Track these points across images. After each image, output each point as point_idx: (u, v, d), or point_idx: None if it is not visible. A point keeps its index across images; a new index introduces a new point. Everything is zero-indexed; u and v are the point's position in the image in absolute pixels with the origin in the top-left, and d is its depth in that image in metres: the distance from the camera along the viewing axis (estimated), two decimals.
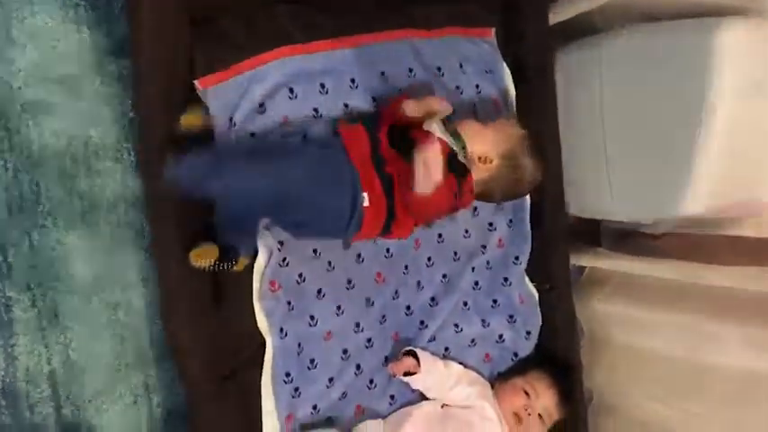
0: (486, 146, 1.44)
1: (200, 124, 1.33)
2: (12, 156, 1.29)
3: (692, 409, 1.67)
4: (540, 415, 1.64)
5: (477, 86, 1.70)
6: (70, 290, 1.35)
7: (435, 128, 1.42)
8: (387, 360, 1.60)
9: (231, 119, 1.37)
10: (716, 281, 1.59)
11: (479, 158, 1.43)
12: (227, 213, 1.31)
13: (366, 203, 1.34)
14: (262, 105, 1.41)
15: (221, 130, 1.37)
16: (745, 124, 1.43)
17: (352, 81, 1.50)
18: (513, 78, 1.75)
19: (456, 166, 1.40)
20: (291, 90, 1.43)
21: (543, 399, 1.65)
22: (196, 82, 1.35)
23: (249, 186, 1.26)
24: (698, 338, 1.65)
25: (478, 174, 1.44)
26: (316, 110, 1.47)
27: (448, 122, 1.45)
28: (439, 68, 1.64)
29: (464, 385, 1.64)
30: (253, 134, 1.40)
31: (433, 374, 1.58)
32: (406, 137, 1.40)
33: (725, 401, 1.59)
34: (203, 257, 1.28)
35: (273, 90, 1.42)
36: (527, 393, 1.64)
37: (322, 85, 1.47)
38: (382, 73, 1.54)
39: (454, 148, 1.41)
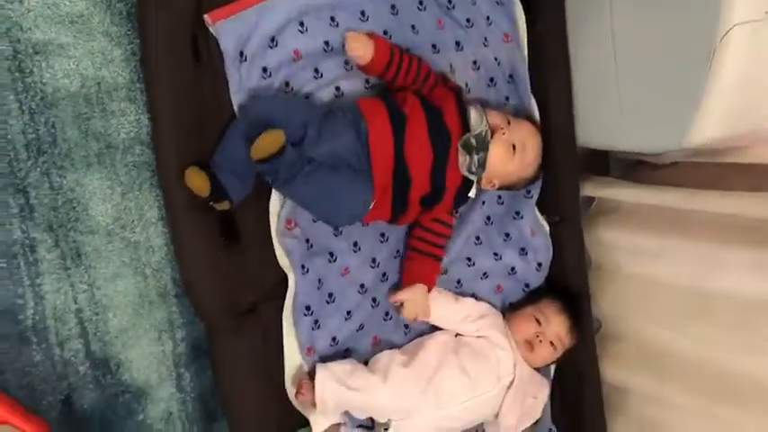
0: (498, 179, 1.56)
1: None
2: (26, 97, 1.29)
3: (698, 334, 1.70)
4: (551, 342, 1.69)
5: (488, 18, 1.68)
6: (91, 230, 1.37)
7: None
8: None
9: (242, 53, 1.37)
10: (723, 208, 1.60)
11: (488, 182, 1.55)
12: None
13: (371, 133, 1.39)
14: (273, 39, 1.40)
15: (231, 63, 1.37)
16: (757, 51, 1.42)
17: (363, 14, 1.49)
18: (523, 9, 1.73)
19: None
20: (302, 23, 1.43)
21: (554, 326, 1.69)
22: (206, 16, 1.34)
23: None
24: (704, 264, 1.67)
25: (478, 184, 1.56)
26: (326, 43, 1.47)
27: (482, 133, 1.48)
28: (449, 0, 1.62)
29: (475, 317, 1.69)
30: (265, 68, 1.40)
31: (444, 308, 1.62)
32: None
33: (731, 326, 1.62)
34: (197, 182, 1.30)
35: (284, 23, 1.41)
36: (538, 321, 1.69)
37: (332, 18, 1.46)
38: (392, 6, 1.52)
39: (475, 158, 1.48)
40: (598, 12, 1.68)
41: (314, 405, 1.47)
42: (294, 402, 1.50)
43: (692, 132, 1.49)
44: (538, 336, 1.67)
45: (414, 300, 1.55)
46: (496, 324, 1.70)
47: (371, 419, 1.59)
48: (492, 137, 1.48)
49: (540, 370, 1.77)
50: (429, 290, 1.57)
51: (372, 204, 1.41)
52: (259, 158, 1.27)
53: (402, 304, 1.56)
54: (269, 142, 1.27)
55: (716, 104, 1.45)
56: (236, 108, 1.39)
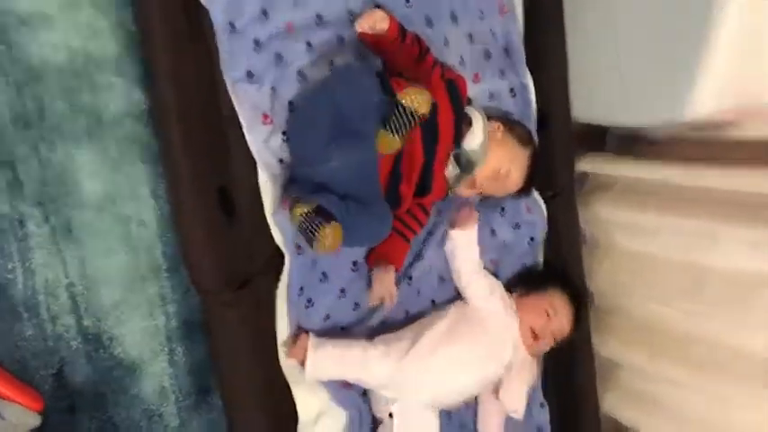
0: (478, 187, 1.57)
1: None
2: (13, 70, 1.27)
3: (691, 309, 1.71)
4: (552, 332, 1.70)
5: None
6: (82, 205, 1.36)
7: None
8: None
9: (232, 24, 1.35)
10: (720, 184, 1.60)
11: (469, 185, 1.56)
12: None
13: None
14: (264, 12, 1.39)
15: (222, 35, 1.35)
16: (756, 24, 1.40)
17: None
18: None
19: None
20: None
21: (561, 318, 1.70)
22: None
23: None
24: (698, 240, 1.67)
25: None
26: (319, 16, 1.45)
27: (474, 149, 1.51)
28: None
29: (482, 276, 1.69)
30: (256, 41, 1.38)
31: (472, 247, 1.66)
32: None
33: (723, 301, 1.63)
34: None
35: None
36: (548, 314, 1.69)
37: None
38: None
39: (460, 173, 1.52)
40: None
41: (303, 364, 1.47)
42: (284, 366, 1.49)
43: (691, 105, 1.49)
44: (544, 329, 1.68)
45: (380, 281, 1.54)
46: (503, 303, 1.69)
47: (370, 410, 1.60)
48: (482, 150, 1.50)
49: None
50: (396, 269, 1.56)
51: None
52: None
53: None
54: (333, 238, 1.29)
55: (715, 77, 1.45)
56: (227, 82, 1.36)
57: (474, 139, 1.50)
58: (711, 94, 1.45)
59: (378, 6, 1.48)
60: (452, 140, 1.48)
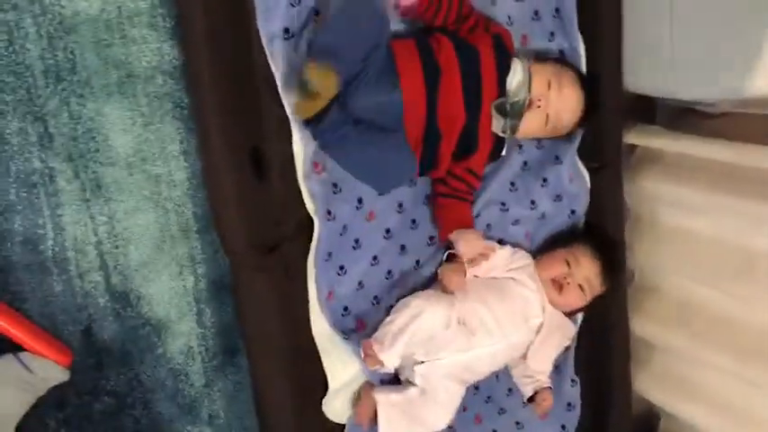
0: (529, 135, 1.54)
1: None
2: (44, 21, 1.23)
3: (737, 292, 1.65)
4: (580, 285, 1.64)
5: None
6: (112, 162, 1.33)
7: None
8: (432, 240, 1.60)
9: None
10: None
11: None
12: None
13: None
14: None
15: None
16: None
17: None
18: None
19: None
20: None
21: (585, 269, 1.64)
22: None
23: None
24: (749, 222, 1.60)
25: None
26: None
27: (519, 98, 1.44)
28: None
29: (507, 262, 1.64)
30: None
31: (492, 263, 1.59)
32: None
33: None
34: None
35: None
36: (568, 263, 1.64)
37: None
38: None
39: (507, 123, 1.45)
40: None
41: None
42: (316, 335, 1.49)
43: (750, 83, 1.39)
44: (566, 277, 1.63)
45: (466, 243, 1.51)
46: (525, 266, 1.66)
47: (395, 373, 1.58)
48: (529, 106, 1.44)
49: (570, 318, 1.73)
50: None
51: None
52: (304, 118, 1.27)
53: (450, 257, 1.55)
54: (316, 103, 1.24)
55: None
56: (263, 38, 1.31)
57: (514, 78, 1.44)
58: None
59: None
60: (497, 95, 1.43)
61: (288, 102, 1.34)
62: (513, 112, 1.43)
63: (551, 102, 1.47)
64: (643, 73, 1.67)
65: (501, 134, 1.47)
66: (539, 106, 1.46)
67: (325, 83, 1.23)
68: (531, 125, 1.47)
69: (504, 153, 1.55)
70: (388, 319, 1.51)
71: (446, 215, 1.55)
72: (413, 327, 1.47)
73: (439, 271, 1.56)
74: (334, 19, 1.30)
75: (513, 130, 1.46)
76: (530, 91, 1.44)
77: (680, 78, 1.56)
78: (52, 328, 1.34)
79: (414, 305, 1.50)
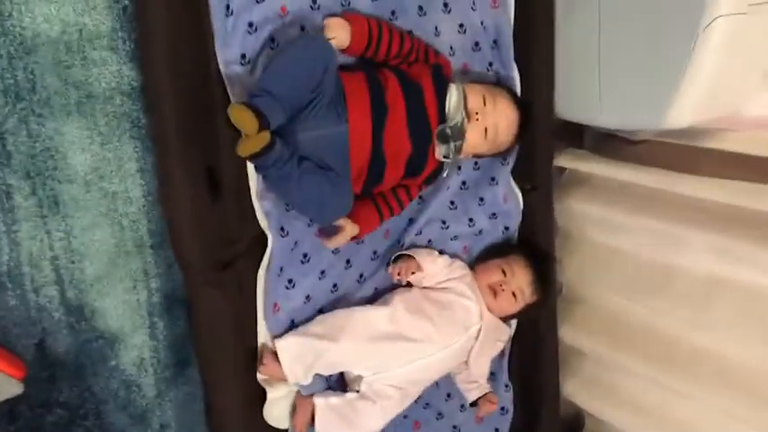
0: (474, 150, 1.60)
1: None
2: (5, 42, 1.25)
3: (654, 306, 1.79)
4: (513, 293, 1.74)
5: None
6: (69, 179, 1.36)
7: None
8: (375, 254, 1.68)
9: (228, 6, 1.35)
10: (689, 190, 1.66)
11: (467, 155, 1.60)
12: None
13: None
14: None
15: (217, 17, 1.35)
16: (738, 43, 1.44)
17: None
18: None
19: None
20: None
21: (518, 278, 1.75)
22: None
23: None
24: (666, 241, 1.75)
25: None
26: (314, 1, 1.45)
27: (459, 123, 1.51)
28: None
29: (447, 271, 1.74)
30: (251, 23, 1.38)
31: (427, 271, 1.67)
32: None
33: (685, 300, 1.71)
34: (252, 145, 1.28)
35: None
36: (504, 272, 1.75)
37: None
38: None
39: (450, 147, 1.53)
40: None
41: (279, 378, 1.53)
42: (259, 378, 1.55)
43: (670, 115, 1.53)
44: (501, 284, 1.73)
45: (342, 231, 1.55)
46: (463, 276, 1.76)
47: (342, 383, 1.65)
48: (470, 121, 1.52)
49: (505, 323, 1.84)
50: (358, 235, 1.57)
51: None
52: (246, 156, 1.31)
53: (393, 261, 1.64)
54: (256, 142, 1.29)
55: (695, 90, 1.49)
56: (220, 63, 1.37)
57: (451, 101, 1.51)
58: (690, 105, 1.50)
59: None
60: (439, 122, 1.51)
61: None
62: (455, 134, 1.51)
63: (488, 115, 1.55)
64: (572, 102, 1.80)
65: (444, 159, 1.55)
66: (477, 119, 1.53)
67: (245, 123, 1.26)
68: (471, 139, 1.54)
69: (445, 175, 1.63)
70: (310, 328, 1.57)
71: (359, 212, 1.56)
72: (331, 357, 1.55)
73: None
74: (277, 56, 1.36)
75: (459, 150, 1.53)
76: (466, 108, 1.51)
77: (605, 109, 1.69)
78: (6, 342, 1.35)
79: (335, 325, 1.57)
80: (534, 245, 1.90)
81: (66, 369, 1.44)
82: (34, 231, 1.35)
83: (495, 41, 1.73)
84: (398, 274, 1.66)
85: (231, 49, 1.37)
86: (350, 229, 1.53)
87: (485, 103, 1.55)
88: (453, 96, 1.51)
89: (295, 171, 1.37)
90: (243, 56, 1.38)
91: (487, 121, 1.55)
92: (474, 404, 1.79)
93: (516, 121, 1.62)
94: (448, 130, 1.50)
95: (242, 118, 1.26)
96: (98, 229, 1.42)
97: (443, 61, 1.59)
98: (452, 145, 1.52)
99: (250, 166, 1.43)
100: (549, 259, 1.91)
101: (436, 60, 1.58)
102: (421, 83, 1.50)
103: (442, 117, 1.51)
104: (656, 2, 1.51)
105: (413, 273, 1.65)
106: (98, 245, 1.42)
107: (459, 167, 1.75)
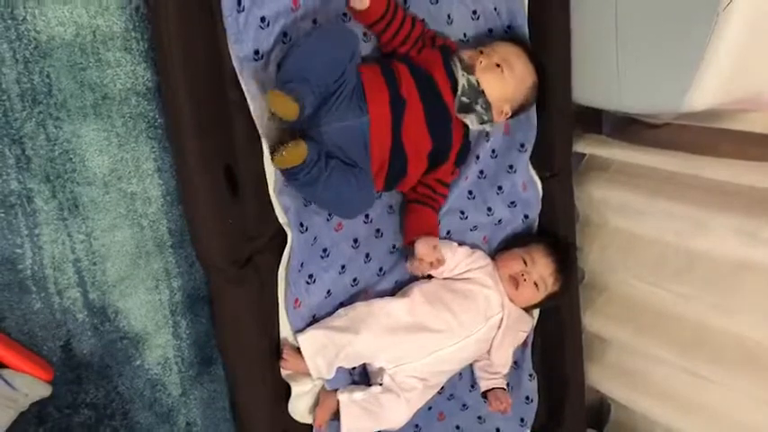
0: (504, 104, 1.55)
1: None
2: (20, 46, 1.25)
3: (678, 290, 1.77)
4: (535, 282, 1.73)
5: None
6: (88, 181, 1.36)
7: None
8: (394, 248, 1.68)
9: (240, 2, 1.34)
10: (711, 173, 1.64)
11: (497, 114, 1.55)
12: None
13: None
14: None
15: (229, 13, 1.34)
16: (758, 21, 1.41)
17: None
18: None
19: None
20: None
21: (540, 267, 1.74)
22: None
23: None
24: (689, 225, 1.73)
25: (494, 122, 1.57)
26: None
27: (470, 79, 1.49)
28: None
29: (468, 261, 1.73)
30: (263, 18, 1.37)
31: (448, 263, 1.66)
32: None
33: (709, 285, 1.69)
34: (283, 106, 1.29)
35: None
36: (525, 261, 1.74)
37: None
38: None
39: (478, 109, 1.51)
40: None
41: (303, 372, 1.53)
42: (284, 374, 1.55)
43: (690, 97, 1.50)
44: (522, 274, 1.72)
45: (426, 246, 1.58)
46: (484, 266, 1.75)
47: (366, 376, 1.65)
48: (474, 73, 1.50)
49: (527, 312, 1.83)
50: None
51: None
52: (282, 168, 1.37)
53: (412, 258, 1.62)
54: (294, 155, 1.33)
55: (716, 70, 1.46)
56: (234, 60, 1.36)
57: (457, 70, 1.50)
58: (711, 87, 1.47)
59: None
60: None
61: (258, 117, 1.40)
62: (472, 94, 1.49)
63: (488, 54, 1.53)
64: (590, 87, 1.77)
65: (483, 126, 1.54)
66: (480, 62, 1.50)
67: (287, 110, 1.28)
68: (491, 83, 1.50)
69: (489, 140, 1.66)
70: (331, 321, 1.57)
71: (413, 220, 1.63)
72: (353, 349, 1.55)
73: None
74: (305, 41, 1.36)
75: (487, 106, 1.50)
76: (462, 67, 1.49)
77: (624, 93, 1.67)
78: (32, 345, 1.36)
79: (356, 317, 1.58)
80: (555, 233, 1.88)
81: (92, 370, 1.45)
82: (56, 234, 1.35)
83: (509, 26, 1.71)
84: (417, 269, 1.64)
85: (244, 45, 1.36)
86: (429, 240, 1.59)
87: (481, 52, 1.54)
88: (458, 68, 1.50)
89: (324, 173, 1.38)
90: (256, 51, 1.38)
91: (493, 59, 1.52)
92: (485, 396, 1.78)
93: (525, 54, 1.59)
94: (464, 98, 1.49)
95: (282, 104, 1.28)
96: (118, 230, 1.42)
97: (450, 43, 1.59)
98: (478, 107, 1.50)
99: (268, 162, 1.43)
100: (570, 247, 1.89)
101: (444, 42, 1.57)
102: (431, 70, 1.49)
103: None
104: None
105: (431, 264, 1.62)
106: (119, 246, 1.43)
107: (478, 156, 1.73)
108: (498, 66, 1.52)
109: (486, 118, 1.52)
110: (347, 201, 1.44)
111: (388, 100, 1.43)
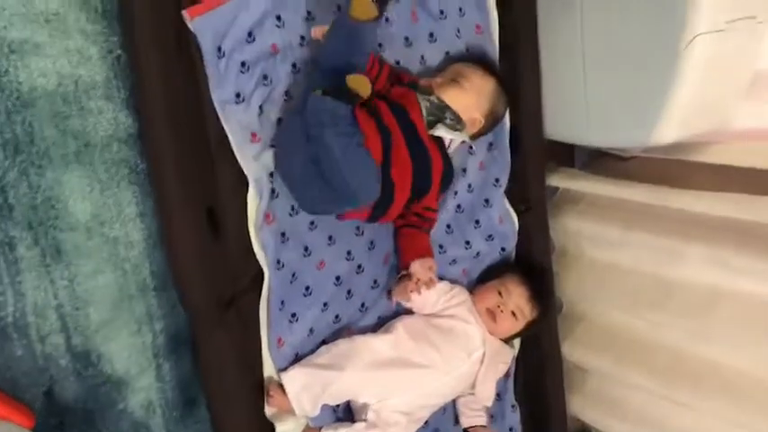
0: (473, 112, 1.59)
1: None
2: (2, 97, 1.27)
3: (655, 319, 1.81)
4: (513, 312, 1.76)
5: (461, 9, 1.71)
6: (71, 227, 1.38)
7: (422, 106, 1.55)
8: (376, 283, 1.70)
9: (220, 48, 1.37)
10: (684, 205, 1.69)
11: (470, 123, 1.60)
12: None
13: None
14: (251, 34, 1.41)
15: (210, 59, 1.37)
16: (718, 59, 1.48)
17: (339, 8, 1.50)
18: (495, 2, 1.76)
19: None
20: (278, 17, 1.44)
21: (515, 297, 1.76)
22: (184, 12, 1.34)
23: None
24: (662, 255, 1.77)
25: (469, 131, 1.61)
26: (302, 37, 1.48)
27: (430, 99, 1.56)
28: None
29: (447, 297, 1.76)
30: (243, 63, 1.40)
31: (426, 297, 1.69)
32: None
33: (685, 313, 1.73)
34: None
35: (261, 18, 1.42)
36: (500, 293, 1.76)
37: (309, 12, 1.48)
38: None
39: (448, 121, 1.56)
40: (569, 8, 1.72)
41: (287, 410, 1.53)
42: (268, 413, 1.56)
43: (655, 133, 1.56)
44: (499, 306, 1.75)
45: (422, 267, 1.62)
46: (463, 302, 1.77)
47: (348, 412, 1.66)
48: (433, 93, 1.56)
49: (507, 343, 1.86)
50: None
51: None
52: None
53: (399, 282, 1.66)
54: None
55: (679, 108, 1.52)
56: (216, 104, 1.39)
57: (419, 97, 1.55)
58: (676, 122, 1.53)
59: None
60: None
61: (242, 157, 1.42)
62: (437, 108, 1.54)
63: (440, 75, 1.61)
64: (561, 122, 1.83)
65: (459, 136, 1.60)
66: (438, 82, 1.58)
67: (361, 87, 1.36)
68: (452, 96, 1.56)
69: (455, 138, 1.65)
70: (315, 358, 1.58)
71: (407, 243, 1.65)
72: (338, 387, 1.55)
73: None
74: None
75: (455, 116, 1.55)
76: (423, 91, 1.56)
77: (593, 128, 1.73)
78: (14, 392, 1.36)
79: (339, 354, 1.59)
80: (527, 261, 1.92)
81: (76, 415, 1.44)
82: (38, 281, 1.36)
83: None
84: (398, 297, 1.67)
85: (225, 89, 1.40)
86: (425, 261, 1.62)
87: (435, 76, 1.62)
88: (419, 95, 1.56)
89: (358, 137, 1.38)
90: (237, 94, 1.41)
91: (446, 76, 1.60)
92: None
93: (480, 66, 1.65)
94: (431, 117, 1.54)
95: (362, 82, 1.36)
96: (101, 274, 1.43)
97: (415, 78, 1.64)
98: (447, 119, 1.55)
99: (251, 197, 1.45)
100: (543, 272, 1.93)
101: (410, 79, 1.63)
102: (404, 104, 1.54)
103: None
104: (638, 22, 1.55)
105: (426, 285, 1.63)
106: (102, 290, 1.43)
107: (456, 192, 1.77)
108: (454, 80, 1.58)
109: (458, 127, 1.57)
110: (363, 177, 1.36)
111: (377, 132, 1.46)
